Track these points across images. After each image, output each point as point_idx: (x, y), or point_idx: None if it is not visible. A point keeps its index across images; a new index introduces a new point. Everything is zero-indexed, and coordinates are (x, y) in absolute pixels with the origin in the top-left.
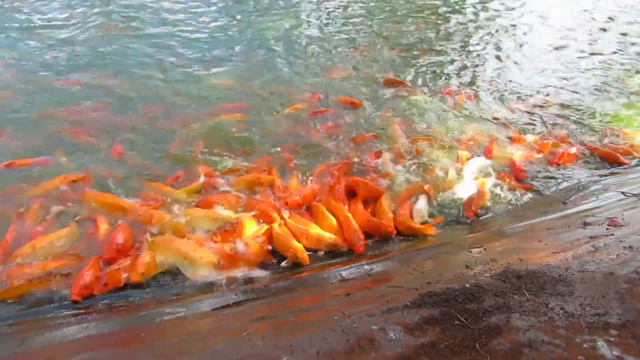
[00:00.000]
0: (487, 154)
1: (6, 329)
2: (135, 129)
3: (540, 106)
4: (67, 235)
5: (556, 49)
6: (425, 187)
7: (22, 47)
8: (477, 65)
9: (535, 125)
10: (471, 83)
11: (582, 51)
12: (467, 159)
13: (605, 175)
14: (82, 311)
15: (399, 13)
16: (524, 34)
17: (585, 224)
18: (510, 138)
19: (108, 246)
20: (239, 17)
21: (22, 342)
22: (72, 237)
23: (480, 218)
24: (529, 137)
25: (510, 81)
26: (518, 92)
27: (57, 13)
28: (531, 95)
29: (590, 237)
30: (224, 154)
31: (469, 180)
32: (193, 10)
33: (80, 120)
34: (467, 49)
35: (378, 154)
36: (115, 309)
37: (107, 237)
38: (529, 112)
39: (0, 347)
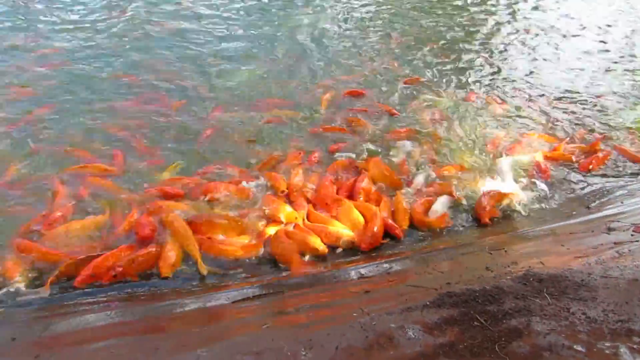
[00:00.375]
0: (509, 153)
1: (31, 314)
2: (169, 124)
3: (568, 109)
4: (100, 222)
5: (595, 52)
6: (449, 189)
7: (63, 40)
8: (508, 67)
9: (563, 127)
10: (501, 85)
11: (622, 57)
12: (496, 159)
13: (632, 180)
14: (104, 299)
15: (438, 12)
16: (563, 36)
17: (610, 230)
18: (537, 140)
19: (142, 227)
20: (269, 13)
21: (47, 327)
22: (104, 224)
23: (501, 221)
24: (558, 140)
25: (541, 85)
26: (548, 95)
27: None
28: (559, 99)
29: (615, 243)
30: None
31: (508, 180)
32: (223, 6)
33: (118, 113)
34: (501, 49)
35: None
36: (137, 298)
37: (138, 222)
38: (557, 115)
39: (25, 331)
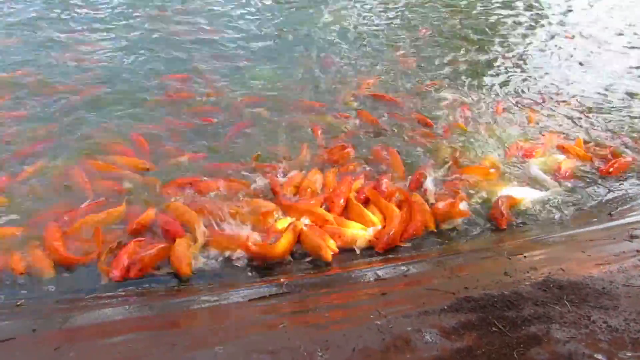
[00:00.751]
0: (527, 156)
1: (51, 307)
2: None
3: (595, 114)
4: (118, 215)
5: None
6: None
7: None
8: (537, 70)
9: (587, 133)
10: (528, 88)
11: None
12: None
13: None
14: (122, 293)
15: (472, 12)
16: (602, 41)
17: (632, 237)
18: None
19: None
20: (297, 12)
21: (67, 319)
22: (121, 216)
23: (520, 225)
24: (581, 145)
25: (570, 89)
26: (575, 100)
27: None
28: (586, 104)
29: (637, 251)
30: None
31: (544, 182)
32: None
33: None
34: (532, 52)
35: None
36: (155, 293)
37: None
38: (583, 119)
39: (44, 324)
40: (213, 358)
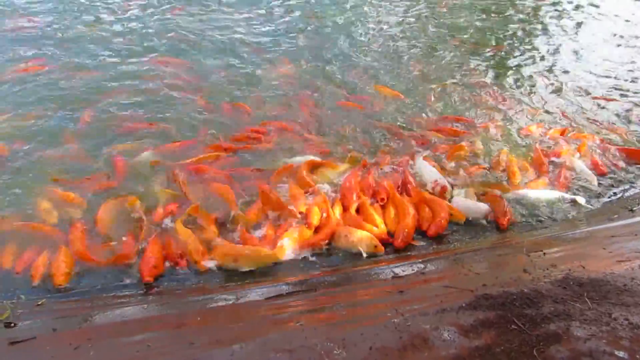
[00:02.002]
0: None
1: (71, 305)
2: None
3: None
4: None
5: None
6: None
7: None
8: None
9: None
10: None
11: None
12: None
13: None
14: (140, 292)
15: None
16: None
17: None
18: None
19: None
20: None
21: (86, 319)
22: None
23: (539, 222)
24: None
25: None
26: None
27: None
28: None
29: None
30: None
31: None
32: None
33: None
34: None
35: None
36: (172, 292)
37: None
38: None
39: (65, 322)
40: (230, 356)
